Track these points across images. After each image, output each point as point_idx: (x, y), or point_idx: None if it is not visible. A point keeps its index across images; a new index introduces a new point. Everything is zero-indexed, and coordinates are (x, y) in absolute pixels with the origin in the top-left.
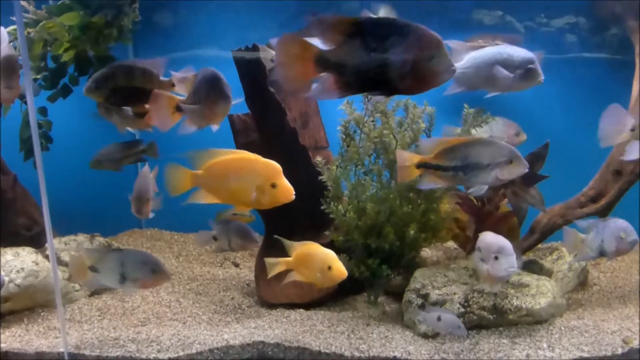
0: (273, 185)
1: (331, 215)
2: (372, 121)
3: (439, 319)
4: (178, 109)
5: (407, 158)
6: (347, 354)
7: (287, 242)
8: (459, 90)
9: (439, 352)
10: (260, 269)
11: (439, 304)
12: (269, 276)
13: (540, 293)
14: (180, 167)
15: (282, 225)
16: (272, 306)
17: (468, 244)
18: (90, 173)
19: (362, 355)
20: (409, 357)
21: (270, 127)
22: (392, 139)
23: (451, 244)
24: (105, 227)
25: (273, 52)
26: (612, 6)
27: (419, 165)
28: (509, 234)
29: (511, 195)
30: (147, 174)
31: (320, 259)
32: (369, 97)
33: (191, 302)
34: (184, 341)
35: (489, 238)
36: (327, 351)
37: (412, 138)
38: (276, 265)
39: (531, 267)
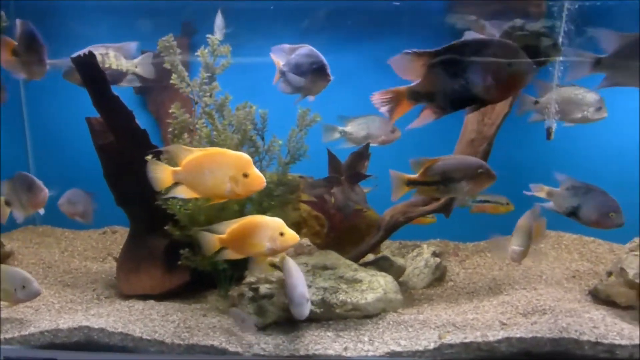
0: (245, 175)
1: (168, 211)
2: (203, 123)
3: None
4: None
5: (398, 177)
6: (167, 341)
7: (215, 226)
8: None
9: (260, 342)
10: (121, 263)
11: (267, 297)
12: (206, 255)
13: (371, 289)
14: (161, 164)
15: (144, 221)
16: (128, 297)
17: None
18: None
19: (182, 342)
20: (227, 347)
21: (120, 130)
22: (220, 140)
23: (305, 240)
24: None
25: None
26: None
27: (409, 183)
28: (367, 231)
29: (339, 193)
30: None
31: (270, 227)
32: (197, 101)
33: (53, 292)
34: (23, 324)
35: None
36: (149, 337)
37: (240, 139)
38: (211, 242)
39: (380, 263)
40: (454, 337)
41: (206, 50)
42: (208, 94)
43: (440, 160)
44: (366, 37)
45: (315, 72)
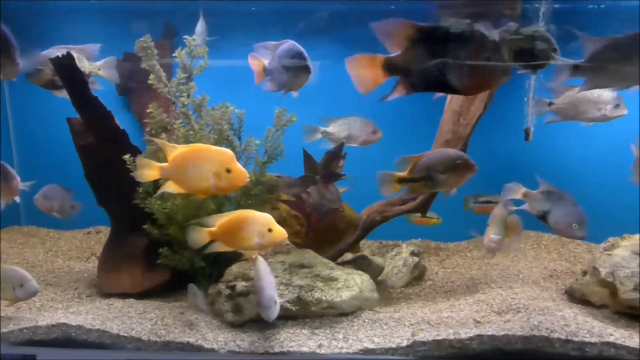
0: (228, 170)
1: (146, 210)
2: (181, 123)
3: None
4: None
5: (388, 176)
6: (144, 338)
7: (206, 219)
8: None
9: (236, 339)
10: (102, 262)
11: (243, 294)
12: (191, 247)
13: (346, 287)
14: (149, 160)
15: (125, 220)
16: (109, 296)
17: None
18: None
19: (158, 339)
20: (203, 344)
21: (100, 131)
22: (196, 140)
23: None
24: None
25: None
26: None
27: (399, 181)
28: (346, 231)
29: (315, 193)
30: None
31: (259, 223)
32: (174, 101)
33: None
34: (2, 322)
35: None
36: (126, 335)
37: (215, 139)
38: (199, 235)
39: (358, 262)
40: (427, 335)
41: (183, 52)
42: (185, 94)
43: (424, 156)
44: (360, 41)
45: (296, 66)
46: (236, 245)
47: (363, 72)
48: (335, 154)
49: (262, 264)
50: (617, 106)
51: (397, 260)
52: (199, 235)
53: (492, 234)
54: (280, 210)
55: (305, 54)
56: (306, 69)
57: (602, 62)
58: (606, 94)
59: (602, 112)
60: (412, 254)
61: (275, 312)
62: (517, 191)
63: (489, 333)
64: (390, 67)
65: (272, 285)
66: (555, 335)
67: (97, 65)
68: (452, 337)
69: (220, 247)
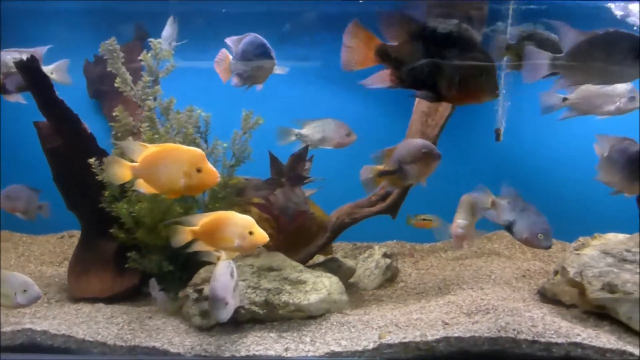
0: (198, 170)
1: (112, 213)
2: (147, 126)
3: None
4: None
5: (371, 170)
6: (110, 342)
7: (188, 217)
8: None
9: (203, 343)
10: (72, 266)
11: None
12: (174, 245)
13: (315, 289)
14: (120, 160)
15: (94, 224)
16: (78, 300)
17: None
18: None
19: (124, 344)
20: (169, 348)
21: (67, 134)
22: (161, 143)
23: None
24: None
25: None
26: None
27: (380, 175)
28: (318, 233)
29: (281, 195)
30: None
31: (241, 225)
32: (140, 104)
33: None
34: None
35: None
36: (91, 339)
37: (181, 142)
38: (182, 234)
39: (329, 265)
40: (394, 337)
41: (149, 55)
42: (151, 97)
43: (396, 149)
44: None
45: (259, 57)
46: (217, 245)
47: (356, 47)
48: (300, 156)
49: (222, 265)
50: (632, 99)
51: (369, 262)
52: (181, 234)
53: (459, 220)
54: (251, 214)
55: (269, 45)
56: (269, 61)
57: (582, 59)
58: (620, 87)
59: (616, 105)
60: (385, 255)
61: (225, 313)
62: (487, 199)
63: (456, 335)
64: (382, 54)
65: (224, 287)
66: (522, 336)
67: (49, 69)
68: (418, 339)
69: (201, 247)
